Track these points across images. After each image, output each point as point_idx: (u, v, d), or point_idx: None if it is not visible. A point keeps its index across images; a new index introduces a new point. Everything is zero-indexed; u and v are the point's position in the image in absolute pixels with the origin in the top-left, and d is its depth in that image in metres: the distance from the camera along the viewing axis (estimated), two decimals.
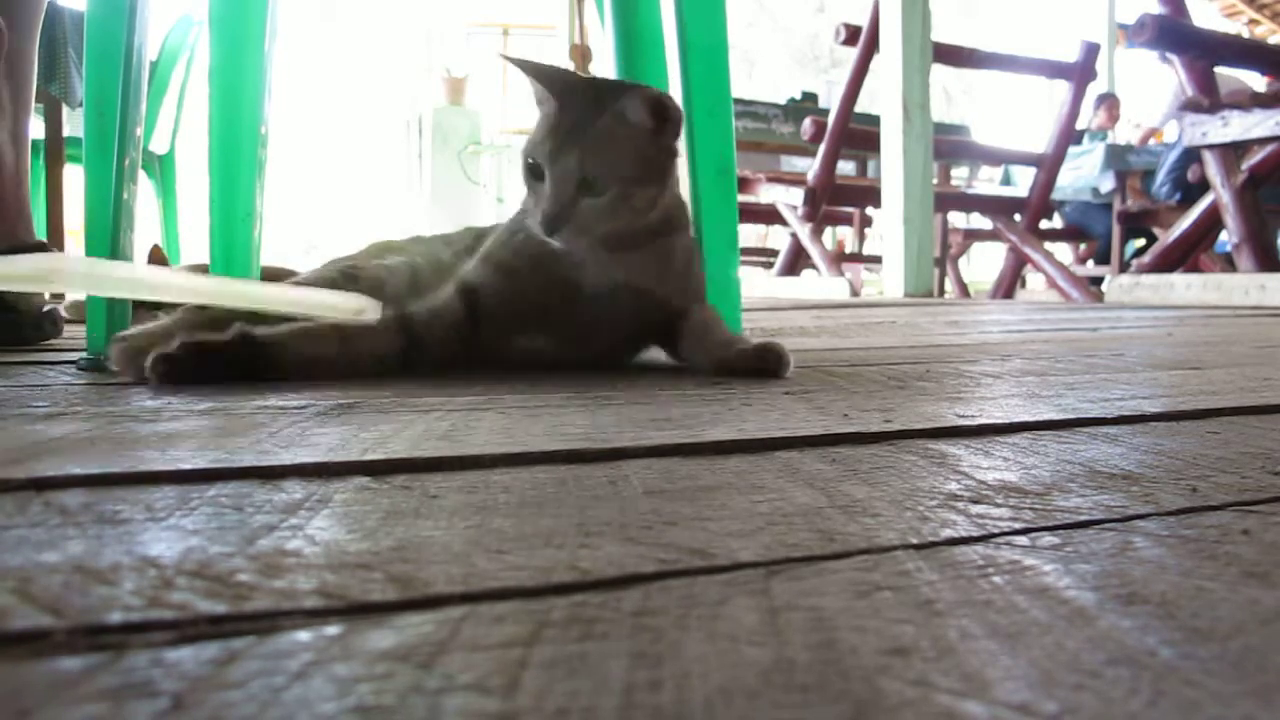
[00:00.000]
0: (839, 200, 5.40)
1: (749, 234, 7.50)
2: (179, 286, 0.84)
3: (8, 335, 1.31)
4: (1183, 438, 0.64)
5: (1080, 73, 4.92)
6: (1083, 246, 6.25)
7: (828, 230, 6.82)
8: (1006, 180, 6.35)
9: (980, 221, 6.16)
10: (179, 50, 3.36)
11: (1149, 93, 6.12)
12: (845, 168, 5.82)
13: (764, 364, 0.94)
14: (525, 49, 8.79)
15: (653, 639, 0.29)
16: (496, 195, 8.16)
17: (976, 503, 0.46)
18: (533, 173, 0.92)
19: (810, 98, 6.75)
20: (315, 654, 0.28)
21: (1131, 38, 3.42)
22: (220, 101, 1.45)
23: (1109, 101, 6.40)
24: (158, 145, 3.45)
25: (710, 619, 0.31)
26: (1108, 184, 5.43)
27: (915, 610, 0.32)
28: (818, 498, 0.47)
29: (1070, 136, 5.08)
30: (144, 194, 2.71)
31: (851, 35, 4.85)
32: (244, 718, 0.24)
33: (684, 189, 1.51)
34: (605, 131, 0.89)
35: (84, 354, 1.05)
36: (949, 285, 5.80)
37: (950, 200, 5.31)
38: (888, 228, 4.06)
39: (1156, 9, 3.56)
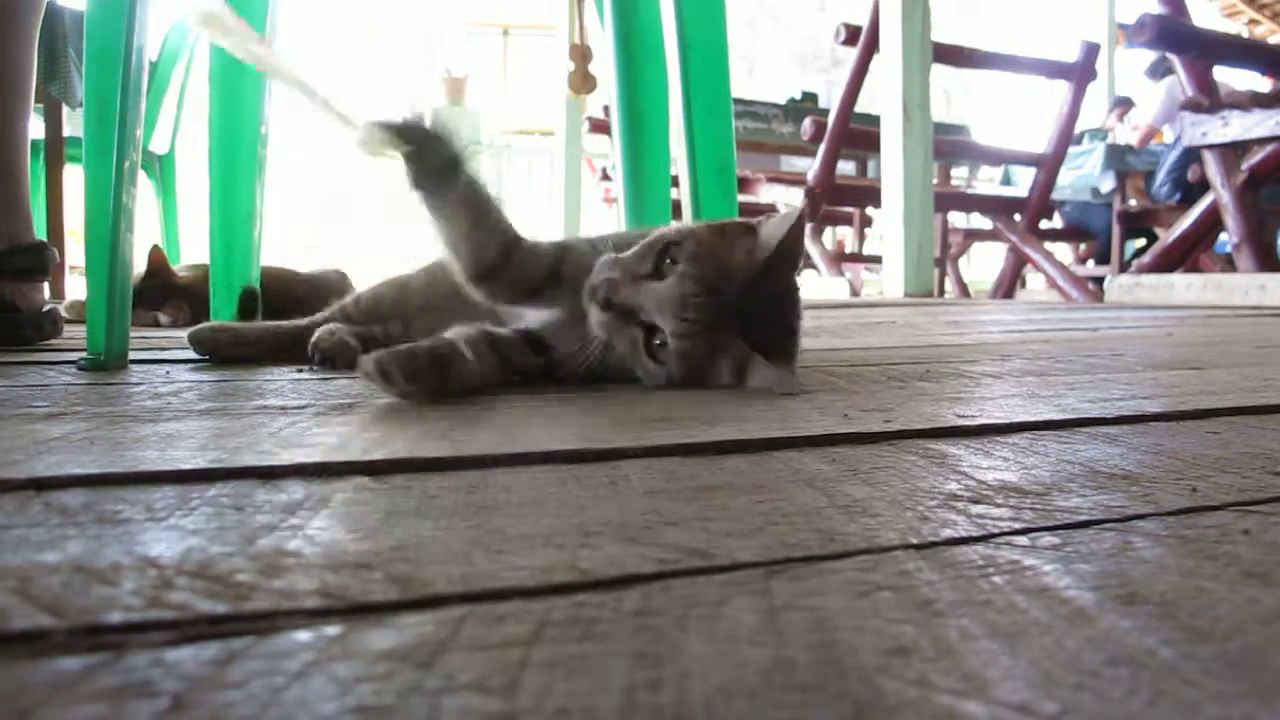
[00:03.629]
0: (839, 200, 5.40)
1: None
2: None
3: (8, 335, 1.31)
4: (1183, 438, 0.64)
5: (1080, 73, 4.92)
6: (1083, 246, 6.26)
7: (828, 230, 6.83)
8: (1006, 180, 6.35)
9: (980, 221, 6.16)
10: (179, 50, 3.36)
11: (1148, 93, 6.12)
12: (845, 168, 5.82)
13: None
14: (525, 49, 8.80)
15: (653, 639, 0.29)
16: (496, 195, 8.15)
17: (976, 503, 0.46)
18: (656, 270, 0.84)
19: (810, 98, 6.75)
20: (315, 654, 0.28)
21: (1131, 38, 3.42)
22: (220, 101, 1.45)
23: (1124, 106, 6.40)
24: (158, 145, 3.45)
25: (710, 619, 0.31)
26: (1108, 184, 5.43)
27: (915, 610, 0.32)
28: (818, 498, 0.47)
29: (1070, 136, 5.09)
30: (144, 194, 2.70)
31: (851, 35, 4.85)
32: (244, 718, 0.24)
33: (684, 189, 1.52)
34: None
35: (84, 354, 1.05)
36: (949, 285, 5.80)
37: (950, 200, 5.31)
38: (888, 228, 4.06)
39: (1156, 9, 3.56)
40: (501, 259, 0.89)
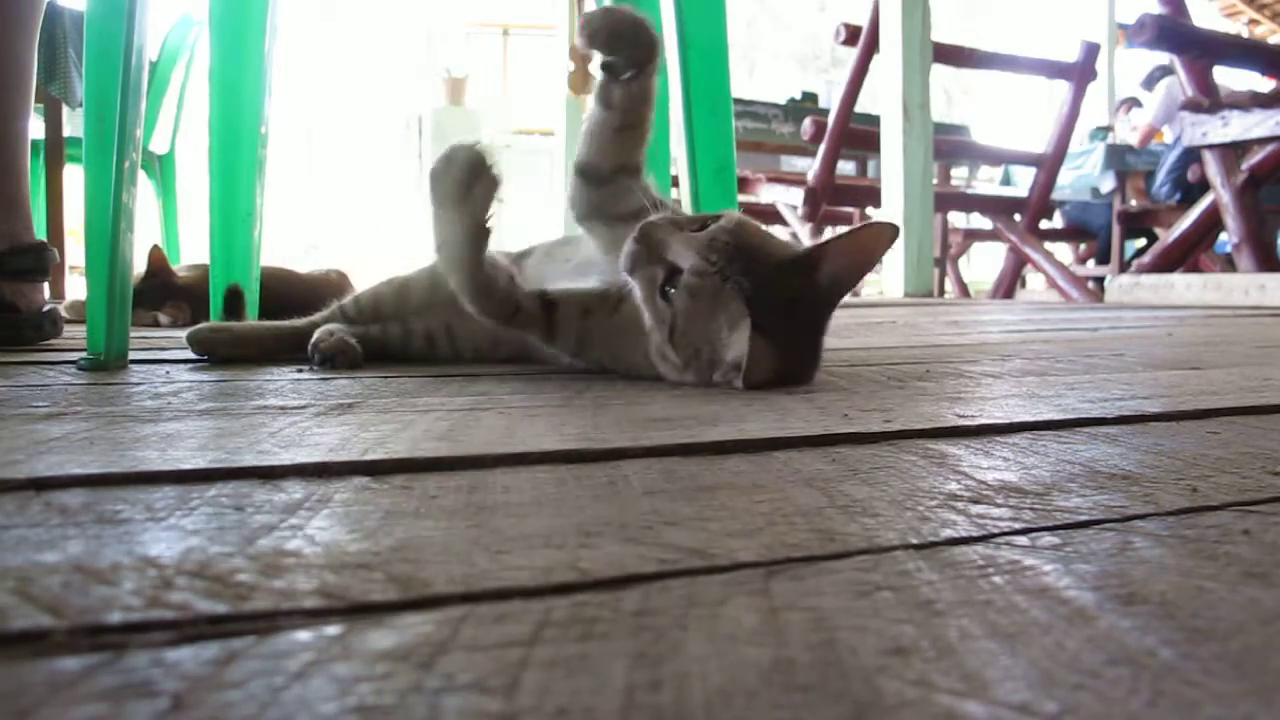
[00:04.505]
0: (839, 200, 5.39)
1: None
2: None
3: (8, 335, 1.31)
4: (1183, 438, 0.64)
5: (1080, 73, 4.92)
6: (1083, 246, 6.26)
7: (828, 230, 6.82)
8: (1006, 180, 6.35)
9: (980, 221, 6.16)
10: (179, 50, 3.36)
11: (1151, 94, 6.13)
12: (845, 168, 5.82)
13: None
14: (525, 49, 8.80)
15: (653, 639, 0.29)
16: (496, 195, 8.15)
17: (976, 503, 0.46)
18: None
19: (810, 98, 6.74)
20: (315, 654, 0.28)
21: (1131, 38, 3.42)
22: (220, 101, 1.45)
23: (1128, 104, 6.40)
24: (158, 145, 3.45)
25: (710, 619, 0.31)
26: (1108, 184, 5.43)
27: (915, 610, 0.32)
28: (818, 498, 0.47)
29: (1070, 136, 5.08)
30: (144, 194, 2.70)
31: (851, 35, 4.85)
32: (244, 718, 0.24)
33: (684, 189, 1.52)
34: None
35: (84, 354, 1.05)
36: (949, 285, 5.80)
37: (950, 200, 5.31)
38: None
39: (1156, 9, 3.56)
40: (614, 171, 0.98)
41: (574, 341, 0.98)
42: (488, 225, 0.89)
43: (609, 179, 0.98)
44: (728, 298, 0.83)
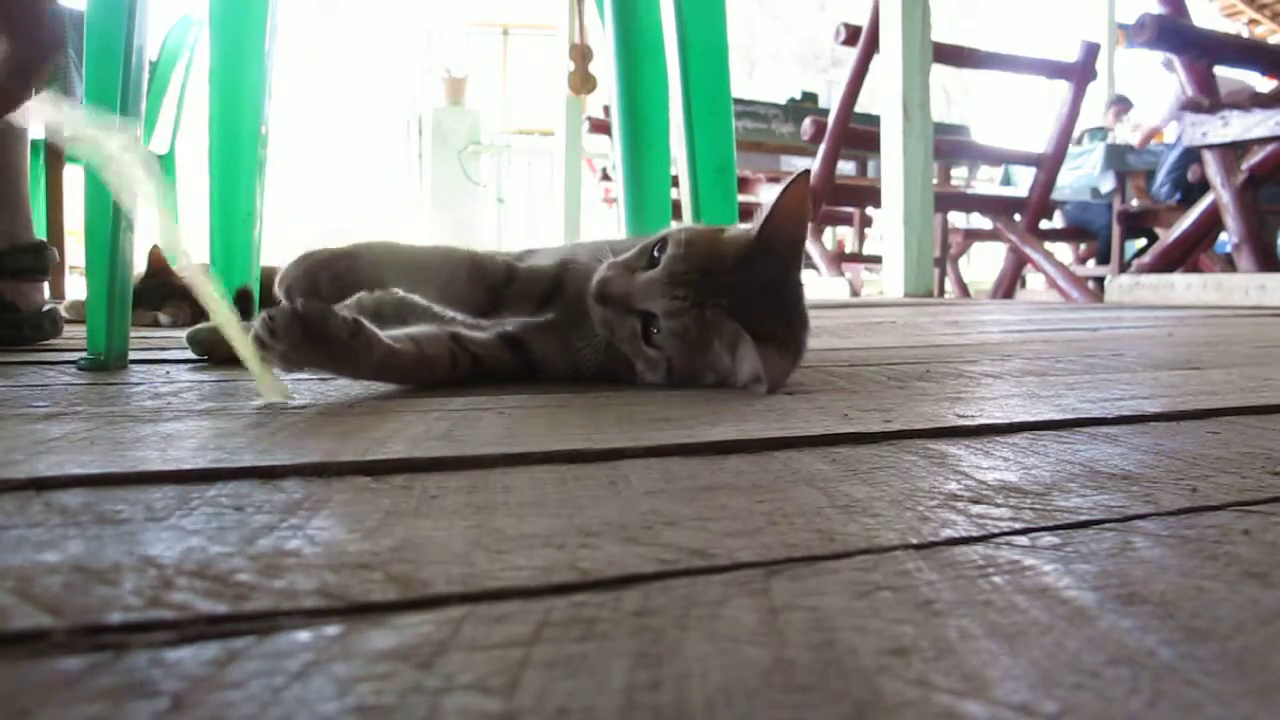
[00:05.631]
0: (839, 200, 5.40)
1: None
2: None
3: (8, 335, 1.31)
4: (1183, 438, 0.64)
5: (1080, 73, 4.92)
6: (1083, 246, 6.26)
7: (828, 230, 6.83)
8: (1006, 180, 6.35)
9: (980, 221, 6.16)
10: (179, 50, 3.36)
11: (1149, 93, 6.12)
12: (845, 168, 5.82)
13: None
14: (525, 49, 8.80)
15: (653, 639, 0.29)
16: (496, 195, 8.17)
17: (976, 503, 0.46)
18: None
19: (810, 98, 6.75)
20: (315, 654, 0.28)
21: (1131, 38, 3.42)
22: (220, 101, 1.45)
23: (1121, 105, 6.39)
24: (158, 145, 3.45)
25: (710, 619, 0.31)
26: (1108, 184, 5.43)
27: (915, 610, 0.32)
28: (818, 498, 0.47)
29: (1070, 136, 5.09)
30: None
31: (851, 35, 4.85)
32: (244, 718, 0.24)
33: (684, 189, 1.52)
34: None
35: (84, 354, 1.05)
36: (949, 285, 5.80)
37: (950, 200, 5.31)
38: (888, 228, 4.06)
39: (1156, 9, 3.56)
40: (494, 298, 0.89)
41: (564, 371, 0.94)
42: None
43: (497, 298, 0.89)
44: (713, 324, 0.82)
